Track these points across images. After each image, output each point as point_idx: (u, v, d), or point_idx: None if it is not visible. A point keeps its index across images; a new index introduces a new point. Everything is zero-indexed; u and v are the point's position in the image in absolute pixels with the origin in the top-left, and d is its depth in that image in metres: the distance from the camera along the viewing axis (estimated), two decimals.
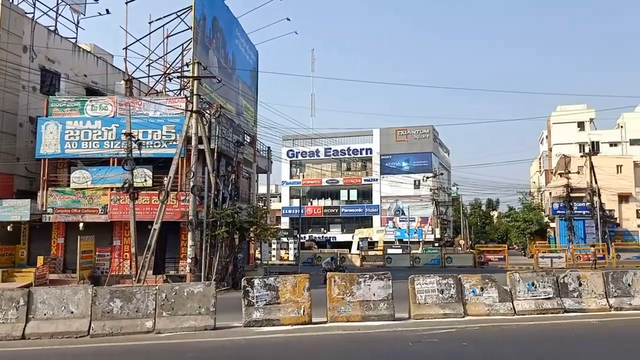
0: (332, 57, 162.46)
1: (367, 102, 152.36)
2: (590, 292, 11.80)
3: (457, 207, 66.62)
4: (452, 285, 11.26)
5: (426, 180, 53.18)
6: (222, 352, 8.54)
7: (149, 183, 22.29)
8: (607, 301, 11.72)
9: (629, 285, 12.01)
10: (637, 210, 48.09)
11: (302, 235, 44.77)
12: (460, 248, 52.14)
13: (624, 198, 47.64)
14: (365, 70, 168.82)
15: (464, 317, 10.82)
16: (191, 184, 20.87)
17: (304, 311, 10.57)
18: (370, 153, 60.74)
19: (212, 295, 10.49)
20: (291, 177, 64.49)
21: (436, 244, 49.71)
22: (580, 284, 11.84)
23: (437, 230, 53.37)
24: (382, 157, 59.79)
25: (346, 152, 61.83)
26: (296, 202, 59.06)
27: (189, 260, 20.56)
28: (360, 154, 61.59)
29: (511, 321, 10.48)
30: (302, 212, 48.54)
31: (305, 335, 9.50)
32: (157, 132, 22.58)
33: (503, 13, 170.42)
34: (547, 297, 11.47)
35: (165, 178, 20.83)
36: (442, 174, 59.09)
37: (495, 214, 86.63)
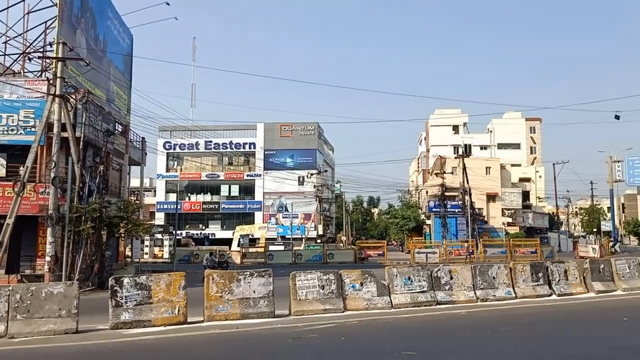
0: (222, 48, 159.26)
1: (252, 96, 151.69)
2: (460, 285, 12.92)
3: (340, 204, 69.07)
4: (333, 281, 11.63)
5: (310, 177, 54.38)
6: (84, 357, 7.96)
7: (2, 173, 20.71)
8: (475, 293, 12.91)
9: (494, 278, 13.36)
10: (502, 209, 53.73)
11: (178, 232, 43.36)
12: (342, 244, 54.14)
13: (491, 197, 52.95)
14: (260, 63, 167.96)
15: (343, 312, 11.23)
16: (52, 174, 19.20)
17: (178, 311, 10.25)
18: (254, 148, 60.61)
19: (74, 296, 9.77)
20: (168, 170, 62.16)
21: (319, 241, 51.07)
22: (451, 278, 12.90)
23: (320, 227, 54.86)
24: (265, 152, 59.96)
25: (228, 145, 61.00)
26: (173, 197, 56.96)
27: (47, 259, 18.91)
28: (243, 148, 61.19)
29: (388, 314, 11.10)
30: (179, 207, 46.91)
31: (178, 335, 9.21)
32: (13, 116, 20.83)
33: (399, 20, 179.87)
34: (421, 290, 12.33)
35: (22, 168, 19.06)
36: (326, 171, 60.83)
37: (376, 211, 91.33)
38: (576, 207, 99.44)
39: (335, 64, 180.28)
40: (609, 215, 64.66)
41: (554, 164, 60.10)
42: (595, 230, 68.71)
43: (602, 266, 15.32)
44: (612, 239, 51.34)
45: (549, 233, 60.16)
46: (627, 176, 50.43)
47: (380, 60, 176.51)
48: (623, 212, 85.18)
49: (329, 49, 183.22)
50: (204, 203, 60.82)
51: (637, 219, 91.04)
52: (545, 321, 10.61)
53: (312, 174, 54.26)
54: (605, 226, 68.24)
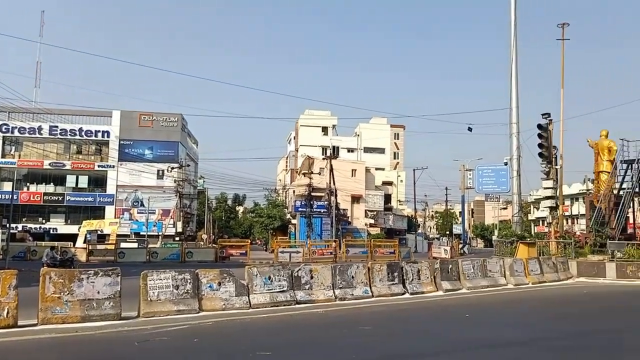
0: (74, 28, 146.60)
1: (110, 82, 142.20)
2: (320, 285, 13.34)
3: (203, 201, 67.62)
4: (189, 281, 11.33)
5: (171, 171, 52.48)
6: None
7: None
8: (334, 292, 13.43)
9: (352, 277, 14.02)
10: (365, 211, 56.70)
11: (13, 225, 39.16)
12: (202, 242, 53.05)
13: (356, 199, 55.63)
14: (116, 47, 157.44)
15: (199, 312, 11.00)
16: None
17: (7, 313, 9.24)
18: (108, 136, 56.99)
19: None
20: (3, 156, 55.96)
21: (177, 238, 49.48)
22: (312, 277, 13.27)
23: (180, 224, 53.18)
24: (121, 142, 56.66)
25: (77, 132, 56.63)
26: (8, 186, 51.29)
27: None
28: (95, 136, 57.23)
29: (246, 315, 11.09)
30: (15, 197, 42.33)
31: (5, 340, 8.30)
32: None
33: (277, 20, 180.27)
34: (281, 290, 12.52)
35: None
36: (188, 165, 59.14)
37: (241, 209, 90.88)
38: (432, 211, 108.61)
39: (208, 60, 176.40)
40: (460, 219, 71.45)
41: (414, 170, 64.94)
42: (448, 232, 75.54)
43: (450, 266, 16.88)
44: (461, 241, 56.82)
45: (407, 234, 64.91)
46: (477, 184, 56.01)
47: (261, 60, 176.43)
48: (472, 216, 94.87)
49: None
50: (45, 194, 55.68)
51: (484, 223, 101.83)
52: (398, 318, 11.40)
53: (172, 168, 52.38)
54: (457, 229, 75.37)
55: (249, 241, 41.64)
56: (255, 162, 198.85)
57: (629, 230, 29.15)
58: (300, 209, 48.95)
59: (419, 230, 78.03)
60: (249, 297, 11.97)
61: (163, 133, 57.78)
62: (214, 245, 44.25)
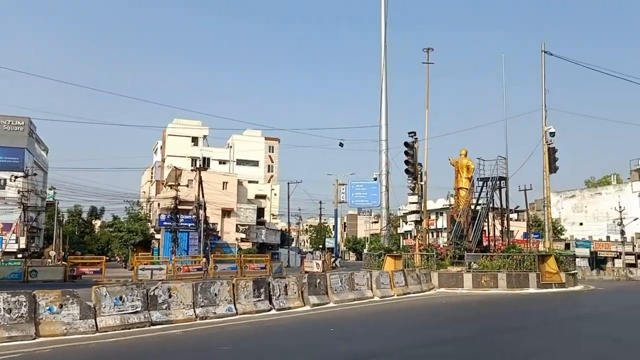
0: None
1: None
2: (180, 303, 12.80)
3: (52, 214, 62.27)
4: (24, 303, 10.26)
5: (14, 180, 47.66)
6: None
7: None
8: (194, 311, 12.96)
9: (216, 294, 13.65)
10: (237, 225, 56.08)
11: None
12: (50, 260, 48.71)
13: (227, 213, 54.81)
14: None
15: (35, 338, 9.98)
16: None
17: None
18: None
19: None
20: None
21: (20, 255, 44.96)
22: (170, 296, 12.69)
23: (23, 239, 48.40)
24: None
25: None
26: None
27: None
28: None
29: (91, 339, 10.28)
30: None
31: None
32: None
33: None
34: (134, 311, 11.80)
35: None
36: (35, 174, 54.17)
37: (98, 223, 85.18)
38: (306, 225, 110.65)
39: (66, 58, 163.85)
40: (334, 232, 73.53)
41: (288, 183, 65.67)
42: (321, 246, 77.35)
43: (318, 281, 17.16)
44: (334, 255, 58.47)
45: (281, 249, 65.33)
46: (350, 198, 58.12)
47: (129, 61, 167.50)
48: (345, 230, 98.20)
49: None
50: None
51: (356, 237, 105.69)
52: (260, 336, 11.29)
53: (16, 177, 47.59)
54: (330, 243, 77.42)
55: (105, 258, 39.04)
56: (115, 173, 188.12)
57: (485, 243, 31.98)
58: (165, 223, 47.09)
59: (293, 245, 78.95)
60: (95, 319, 11.10)
61: (7, 138, 52.43)
62: (63, 262, 40.84)
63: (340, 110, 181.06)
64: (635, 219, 59.71)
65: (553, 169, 31.39)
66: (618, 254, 56.31)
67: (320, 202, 73.74)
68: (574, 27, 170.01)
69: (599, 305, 19.62)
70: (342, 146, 40.18)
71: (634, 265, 53.32)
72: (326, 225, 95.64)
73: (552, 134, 31.13)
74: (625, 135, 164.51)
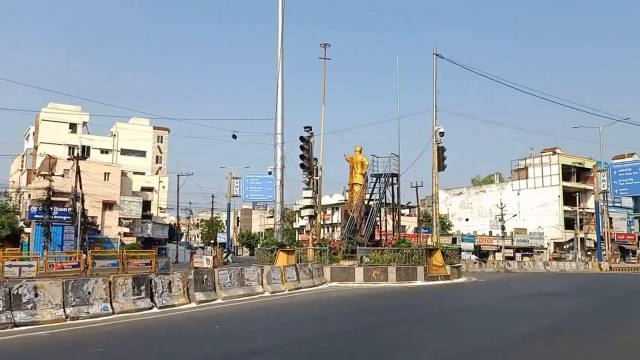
0: None
1: None
2: (47, 303, 11.88)
3: None
4: None
5: None
6: None
7: None
8: (64, 311, 12.08)
9: (89, 293, 12.82)
10: (120, 218, 53.39)
11: None
12: None
13: (108, 205, 51.97)
14: None
15: None
16: None
17: None
18: None
19: None
20: None
21: None
22: (36, 295, 11.74)
23: None
24: None
25: None
26: None
27: None
28: None
29: None
30: None
31: None
32: None
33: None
34: None
35: None
36: None
37: None
38: (198, 219, 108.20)
39: None
40: (226, 227, 72.54)
41: (178, 175, 63.72)
42: (213, 241, 76.02)
43: (205, 277, 16.73)
44: (225, 250, 57.65)
45: (169, 244, 63.21)
46: (244, 192, 57.67)
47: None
48: (238, 225, 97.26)
49: None
50: None
51: (250, 232, 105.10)
52: (138, 336, 10.76)
53: None
54: (222, 238, 76.31)
55: None
56: None
57: (377, 237, 33.09)
58: (36, 216, 43.73)
59: (182, 240, 76.78)
60: None
61: None
62: None
63: (235, 102, 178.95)
64: (514, 215, 64.74)
65: (442, 167, 33.06)
66: (499, 247, 60.84)
67: (213, 196, 72.45)
68: (465, 29, 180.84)
69: (479, 296, 20.96)
70: (235, 138, 39.66)
71: (512, 258, 57.93)
72: (218, 219, 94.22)
73: (442, 134, 32.77)
74: (508, 137, 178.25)
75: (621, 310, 15.82)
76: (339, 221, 50.39)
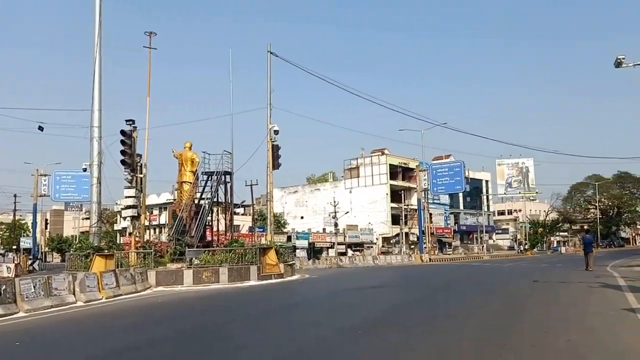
0: None
1: None
2: None
3: None
4: None
5: None
6: None
7: None
8: None
9: None
10: None
11: None
12: None
13: None
14: None
15: None
16: None
17: None
18: None
19: None
20: None
21: None
22: None
23: None
24: None
25: None
26: None
27: None
28: None
29: None
30: None
31: None
32: None
33: None
34: None
35: None
36: None
37: None
38: None
39: None
40: (32, 231, 66.13)
41: None
42: (15, 247, 68.80)
43: (4, 287, 14.95)
44: (31, 257, 52.51)
45: None
46: (54, 191, 52.97)
47: None
48: (47, 228, 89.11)
49: None
50: None
51: (62, 235, 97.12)
52: None
53: None
54: (26, 243, 69.48)
55: None
56: None
57: (209, 238, 32.55)
58: None
59: None
60: None
61: None
62: None
63: (48, 92, 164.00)
64: (346, 212, 68.15)
65: (276, 165, 33.55)
66: (332, 244, 63.55)
67: (15, 196, 65.70)
68: (298, 27, 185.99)
69: (310, 293, 21.57)
70: (41, 130, 35.95)
71: (344, 254, 60.96)
72: (23, 222, 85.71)
73: (277, 132, 33.24)
74: (342, 138, 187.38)
75: (439, 300, 17.31)
76: (167, 222, 48.63)
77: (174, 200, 35.14)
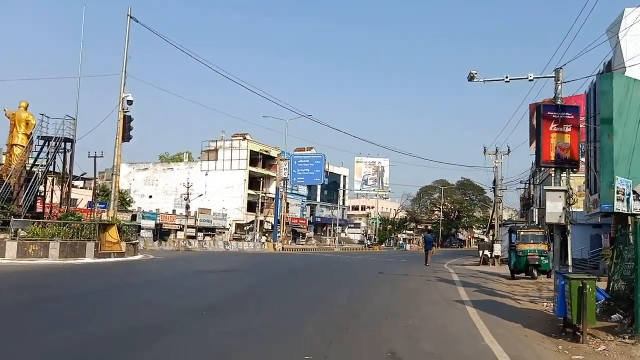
0: None
1: None
2: None
3: None
4: None
5: None
6: None
7: None
8: None
9: None
10: None
11: None
12: None
13: None
14: None
15: None
16: None
17: None
18: None
19: None
20: None
21: None
22: None
23: None
24: None
25: None
26: None
27: None
28: None
29: None
30: None
31: None
32: None
33: None
34: None
35: None
36: None
37: None
38: None
39: None
40: None
41: None
42: None
43: None
44: None
45: None
46: None
47: None
48: None
49: None
50: None
51: None
52: None
53: None
54: None
55: None
56: None
57: (39, 209, 30.01)
58: None
59: None
60: None
61: None
62: None
63: None
64: (200, 195, 66.67)
65: (127, 137, 31.73)
66: (182, 226, 61.89)
67: None
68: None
69: (154, 274, 20.72)
70: None
71: (194, 238, 59.70)
72: None
73: (130, 102, 31.34)
74: (203, 119, 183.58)
75: (287, 287, 17.43)
76: None
77: (1, 165, 31.93)
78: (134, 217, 56.34)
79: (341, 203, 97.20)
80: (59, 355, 6.61)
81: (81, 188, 57.98)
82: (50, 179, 31.38)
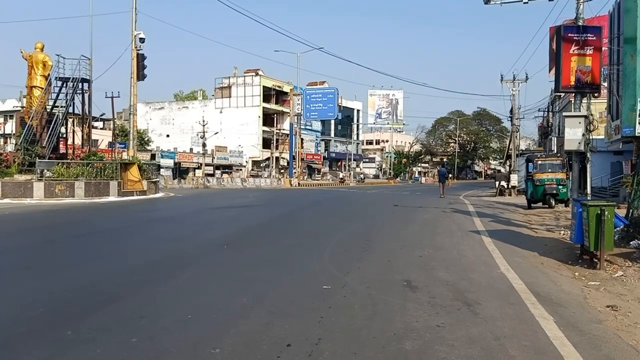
0: None
1: None
2: None
3: None
4: None
5: None
6: None
7: None
8: None
9: None
10: None
11: None
12: None
13: None
14: None
15: None
16: None
17: None
18: None
19: None
20: None
21: None
22: None
23: None
24: None
25: None
26: None
27: None
28: None
29: None
30: None
31: None
32: None
33: None
34: None
35: None
36: None
37: None
38: None
39: None
40: None
41: None
42: None
43: None
44: None
45: None
46: None
47: None
48: None
49: None
50: None
51: None
52: None
53: None
54: None
55: None
56: None
57: (62, 150, 30.50)
58: None
59: None
60: None
61: None
62: None
63: None
64: (215, 133, 66.98)
65: (141, 76, 31.79)
66: (199, 164, 62.58)
67: None
68: None
69: (175, 210, 21.25)
70: None
71: (212, 175, 60.48)
72: None
73: (142, 40, 31.21)
74: (213, 54, 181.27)
75: (304, 220, 17.88)
76: (14, 131, 44.69)
77: (23, 107, 32.19)
78: (152, 156, 56.99)
79: (355, 137, 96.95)
80: (120, 277, 7.05)
81: (100, 129, 58.55)
82: (70, 120, 31.69)
